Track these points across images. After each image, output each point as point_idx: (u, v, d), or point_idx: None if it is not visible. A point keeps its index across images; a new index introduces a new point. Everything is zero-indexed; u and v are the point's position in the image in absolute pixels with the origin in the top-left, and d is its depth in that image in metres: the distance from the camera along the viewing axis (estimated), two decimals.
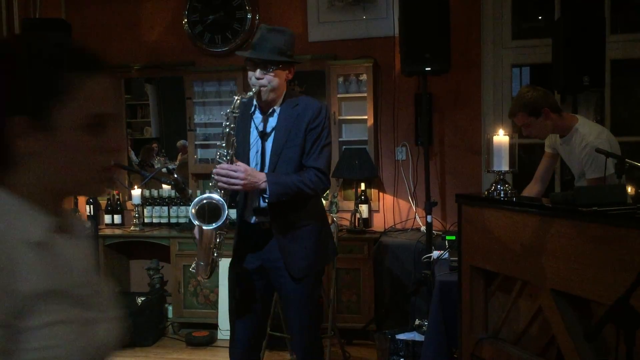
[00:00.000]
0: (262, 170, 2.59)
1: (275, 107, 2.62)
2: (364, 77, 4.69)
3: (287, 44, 2.56)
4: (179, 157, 5.85)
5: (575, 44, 3.75)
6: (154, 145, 6.07)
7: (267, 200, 2.52)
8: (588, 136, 3.16)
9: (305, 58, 4.77)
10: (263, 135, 2.61)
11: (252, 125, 2.65)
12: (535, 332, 2.42)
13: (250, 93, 2.54)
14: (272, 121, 2.62)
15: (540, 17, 5.10)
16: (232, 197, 2.65)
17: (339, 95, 4.72)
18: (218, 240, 2.55)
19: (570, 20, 3.84)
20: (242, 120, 2.68)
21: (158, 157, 6.00)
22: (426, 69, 4.02)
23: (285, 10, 4.92)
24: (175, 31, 5.10)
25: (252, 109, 2.67)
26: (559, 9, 4.51)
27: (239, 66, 4.81)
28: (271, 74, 2.52)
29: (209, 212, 2.50)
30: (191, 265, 2.60)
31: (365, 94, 4.66)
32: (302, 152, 2.60)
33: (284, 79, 2.60)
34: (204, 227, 2.47)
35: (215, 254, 2.55)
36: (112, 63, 5.13)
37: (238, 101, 2.53)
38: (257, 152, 2.63)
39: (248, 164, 2.59)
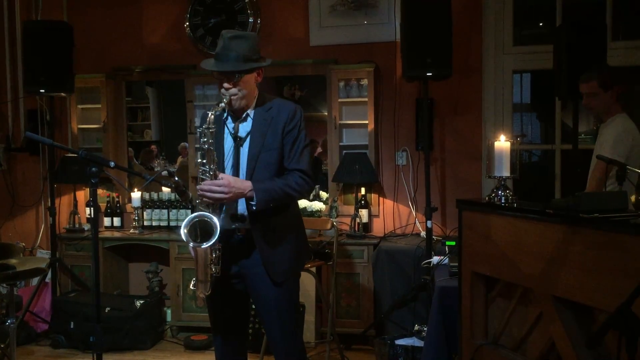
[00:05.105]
0: (238, 175, 2.56)
1: (248, 112, 2.60)
2: (365, 81, 4.69)
3: (252, 48, 2.52)
4: (179, 159, 5.85)
5: (577, 51, 3.74)
6: (154, 147, 6.08)
7: (254, 208, 2.50)
8: (617, 126, 3.31)
9: (307, 62, 4.78)
10: (238, 141, 2.59)
11: (226, 131, 2.62)
12: (536, 338, 2.41)
13: (222, 104, 2.52)
14: (247, 126, 2.60)
15: (541, 24, 5.12)
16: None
17: (339, 100, 4.72)
18: (215, 255, 2.51)
19: (572, 26, 3.84)
20: (216, 127, 2.62)
21: (158, 160, 6.01)
22: (427, 74, 4.03)
23: (286, 14, 4.92)
24: (177, 34, 5.10)
25: (225, 114, 2.63)
26: (561, 15, 4.52)
27: None
28: (239, 83, 2.51)
29: (201, 229, 2.47)
30: (191, 283, 2.57)
31: (366, 99, 4.66)
32: (281, 155, 2.58)
33: (254, 82, 2.58)
34: (195, 246, 2.44)
35: (213, 270, 2.51)
36: (114, 65, 5.14)
37: (212, 116, 2.49)
38: (232, 158, 2.59)
39: (224, 170, 2.57)
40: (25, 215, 5.39)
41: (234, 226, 2.59)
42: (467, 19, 4.57)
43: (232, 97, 2.51)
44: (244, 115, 2.59)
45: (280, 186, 2.53)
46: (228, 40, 2.50)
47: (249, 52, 2.51)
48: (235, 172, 2.58)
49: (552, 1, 4.54)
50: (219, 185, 2.44)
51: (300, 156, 2.59)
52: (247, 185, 2.48)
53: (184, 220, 2.49)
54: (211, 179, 2.47)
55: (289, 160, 2.58)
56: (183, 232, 2.45)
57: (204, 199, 2.47)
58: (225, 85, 2.50)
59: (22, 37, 4.96)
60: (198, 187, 2.48)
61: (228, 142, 2.61)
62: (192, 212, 2.54)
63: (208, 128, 2.48)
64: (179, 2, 5.08)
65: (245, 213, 2.56)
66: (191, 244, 2.45)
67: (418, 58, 3.99)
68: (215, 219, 2.44)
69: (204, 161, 2.48)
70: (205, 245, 2.43)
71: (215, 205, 2.50)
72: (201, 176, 2.49)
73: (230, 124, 2.62)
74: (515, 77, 4.79)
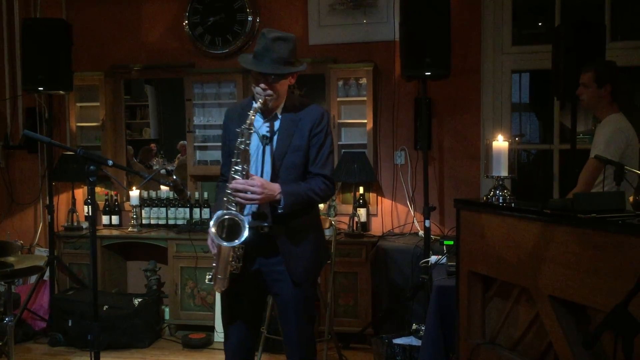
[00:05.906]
0: (262, 174, 2.59)
1: (277, 112, 2.62)
2: (363, 81, 4.69)
3: (291, 51, 2.55)
4: (178, 158, 5.85)
5: (575, 51, 3.75)
6: (153, 146, 6.07)
7: (280, 211, 2.53)
8: (611, 126, 3.27)
9: (306, 61, 4.76)
10: (265, 139, 2.61)
11: (253, 129, 2.64)
12: (533, 338, 2.41)
13: (257, 105, 2.53)
14: (275, 125, 2.62)
15: (540, 24, 5.12)
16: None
17: (338, 99, 4.72)
18: (235, 253, 2.52)
19: (571, 26, 3.85)
20: (242, 124, 2.67)
21: (156, 159, 6.00)
22: (426, 73, 4.03)
23: (286, 13, 4.92)
24: (176, 33, 5.10)
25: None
26: (559, 15, 4.52)
27: (239, 68, 4.81)
28: (275, 85, 2.53)
29: (227, 227, 2.49)
30: (206, 277, 2.57)
31: (365, 98, 4.67)
32: (306, 158, 2.61)
33: (287, 84, 2.61)
34: (226, 245, 2.45)
35: (234, 268, 2.53)
36: (112, 63, 5.14)
37: (253, 117, 2.50)
38: (257, 155, 2.62)
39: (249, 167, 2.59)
40: (23, 213, 5.39)
41: (261, 224, 2.60)
42: (466, 19, 4.58)
43: (266, 98, 2.53)
44: (272, 115, 2.62)
45: (305, 191, 2.57)
46: (271, 41, 2.51)
47: (288, 55, 2.53)
48: (260, 171, 2.60)
49: (551, 1, 4.55)
50: (253, 186, 2.46)
51: (325, 162, 2.63)
52: (276, 187, 2.51)
53: (213, 217, 2.50)
54: (243, 179, 2.49)
55: (313, 164, 2.61)
56: (211, 230, 2.47)
57: (237, 198, 2.48)
58: (262, 86, 2.52)
59: (20, 35, 4.95)
60: (230, 185, 2.49)
61: (254, 141, 2.62)
62: (218, 209, 2.53)
63: (248, 129, 2.49)
64: (178, 1, 5.08)
65: (269, 212, 2.58)
66: (223, 243, 2.45)
67: (417, 57, 3.99)
68: (244, 219, 2.46)
69: (238, 160, 2.49)
70: (234, 243, 2.44)
71: (244, 206, 2.51)
72: (233, 175, 2.50)
73: (257, 122, 2.62)
74: (514, 77, 4.80)
